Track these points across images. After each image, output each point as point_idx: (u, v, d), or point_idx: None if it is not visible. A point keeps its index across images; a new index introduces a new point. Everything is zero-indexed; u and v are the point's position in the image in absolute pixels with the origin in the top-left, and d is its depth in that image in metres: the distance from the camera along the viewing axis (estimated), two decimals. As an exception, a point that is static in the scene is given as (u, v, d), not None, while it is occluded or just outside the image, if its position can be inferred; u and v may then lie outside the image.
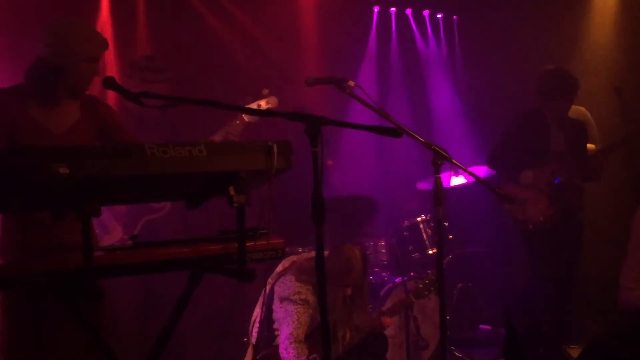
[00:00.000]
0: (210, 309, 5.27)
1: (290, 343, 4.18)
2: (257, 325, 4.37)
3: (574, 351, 4.96)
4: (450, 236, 6.04)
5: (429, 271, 4.96)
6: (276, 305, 4.38)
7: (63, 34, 3.27)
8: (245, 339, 4.65)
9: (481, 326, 6.56)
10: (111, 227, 4.75)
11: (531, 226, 5.25)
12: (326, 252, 4.57)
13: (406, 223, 5.98)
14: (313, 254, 4.53)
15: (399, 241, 5.93)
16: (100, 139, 3.51)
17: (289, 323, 4.24)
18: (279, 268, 4.55)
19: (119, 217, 4.80)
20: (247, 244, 2.56)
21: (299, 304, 4.26)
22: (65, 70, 3.29)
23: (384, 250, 5.87)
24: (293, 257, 4.64)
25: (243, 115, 4.01)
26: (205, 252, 2.55)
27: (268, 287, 4.48)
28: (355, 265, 4.43)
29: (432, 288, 4.82)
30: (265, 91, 4.08)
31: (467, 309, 6.40)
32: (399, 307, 4.88)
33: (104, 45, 3.39)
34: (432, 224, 5.89)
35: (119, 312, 3.93)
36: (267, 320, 4.44)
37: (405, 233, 5.96)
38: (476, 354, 5.87)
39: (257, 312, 4.45)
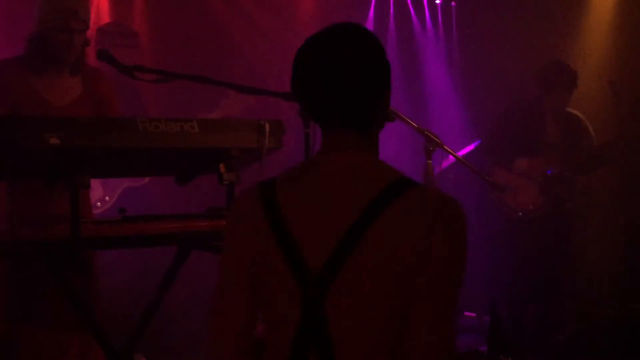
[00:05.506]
0: (196, 286, 5.27)
1: None
2: None
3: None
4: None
5: None
6: None
7: (39, 1, 3.26)
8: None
9: (466, 313, 6.58)
10: (91, 185, 4.70)
11: (520, 214, 5.26)
12: None
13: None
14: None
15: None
16: (98, 113, 3.48)
17: None
18: None
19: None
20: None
21: None
22: (42, 39, 3.25)
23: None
24: None
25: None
26: (194, 228, 2.55)
27: None
28: None
29: None
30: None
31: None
32: None
33: (68, 13, 3.23)
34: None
35: (109, 286, 3.90)
36: None
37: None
38: (460, 340, 5.88)
39: None
